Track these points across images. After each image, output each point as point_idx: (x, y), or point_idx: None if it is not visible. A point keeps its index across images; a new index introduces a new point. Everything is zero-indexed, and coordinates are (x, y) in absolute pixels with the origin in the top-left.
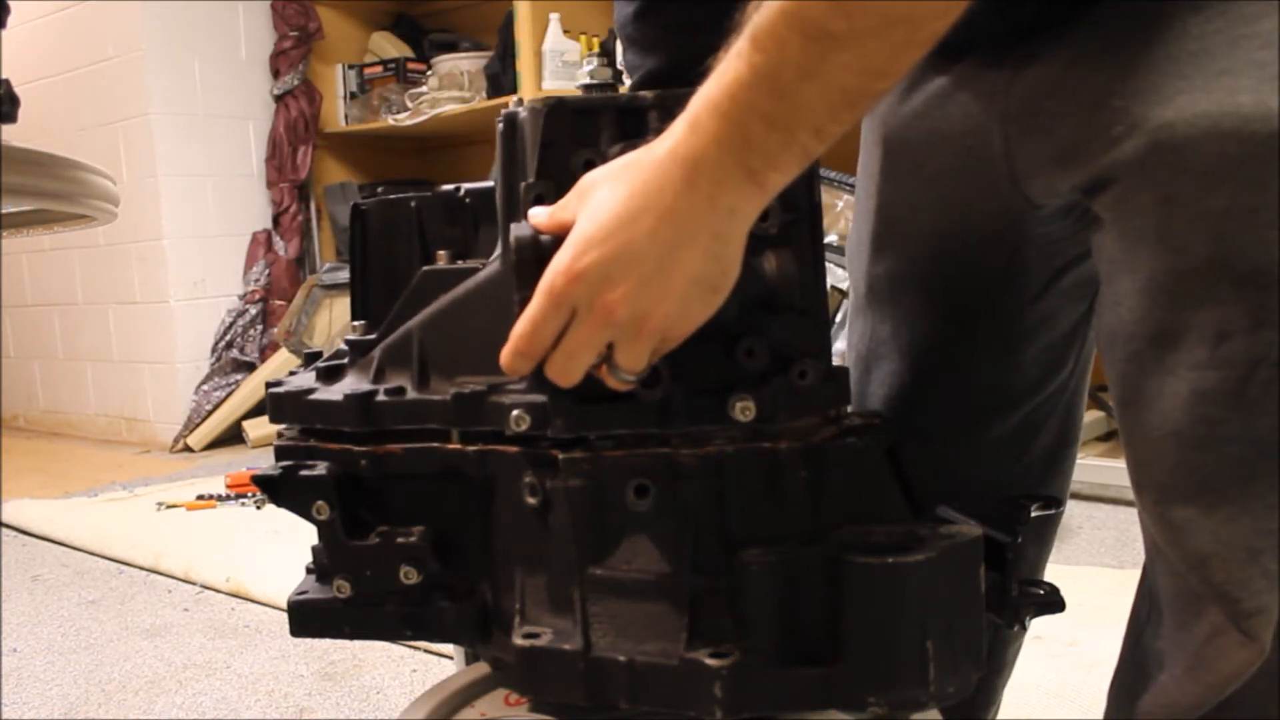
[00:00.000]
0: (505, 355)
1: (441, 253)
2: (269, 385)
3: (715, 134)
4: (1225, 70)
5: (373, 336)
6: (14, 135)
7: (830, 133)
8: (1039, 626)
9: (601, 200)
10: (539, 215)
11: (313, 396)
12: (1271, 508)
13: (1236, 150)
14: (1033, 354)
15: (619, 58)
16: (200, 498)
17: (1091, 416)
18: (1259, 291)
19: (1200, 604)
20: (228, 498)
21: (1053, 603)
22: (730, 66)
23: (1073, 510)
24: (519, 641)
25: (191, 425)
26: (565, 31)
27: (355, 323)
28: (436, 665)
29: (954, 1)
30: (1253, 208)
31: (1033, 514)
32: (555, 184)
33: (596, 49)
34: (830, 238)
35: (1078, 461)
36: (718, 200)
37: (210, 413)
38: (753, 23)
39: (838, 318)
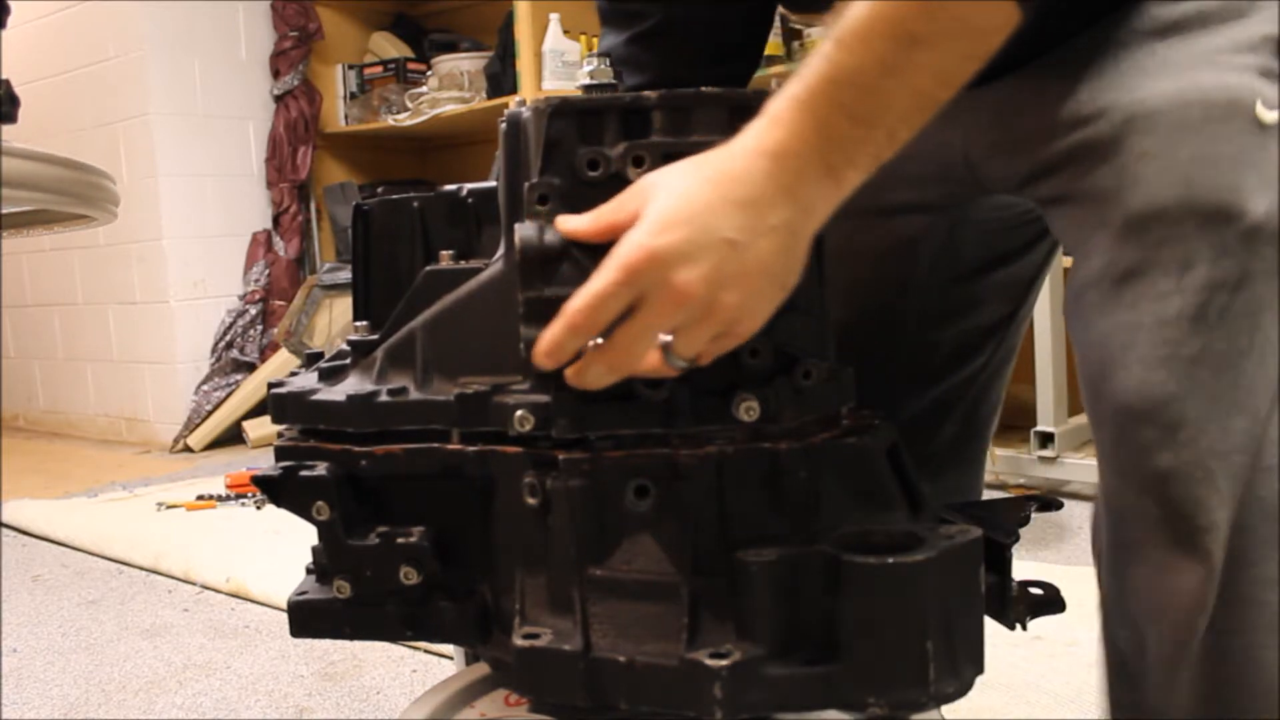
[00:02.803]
0: (554, 332)
1: (445, 253)
2: (272, 385)
3: (799, 128)
4: (1187, 68)
5: (375, 337)
6: (14, 135)
7: (900, 137)
8: (1039, 626)
9: (679, 186)
10: (578, 221)
11: (315, 397)
12: (1226, 430)
13: (1200, 114)
14: (952, 334)
15: None
16: (200, 498)
17: None
18: (1221, 226)
19: (1150, 532)
20: (228, 498)
21: (1053, 602)
22: (815, 66)
23: (1072, 510)
24: (519, 642)
25: (191, 425)
26: (565, 32)
27: (358, 323)
28: (436, 665)
29: (1012, 19)
30: (1215, 157)
31: (1032, 514)
32: (559, 184)
33: (596, 49)
34: None
35: (1077, 461)
36: (797, 194)
37: (210, 413)
38: (836, 29)
39: None
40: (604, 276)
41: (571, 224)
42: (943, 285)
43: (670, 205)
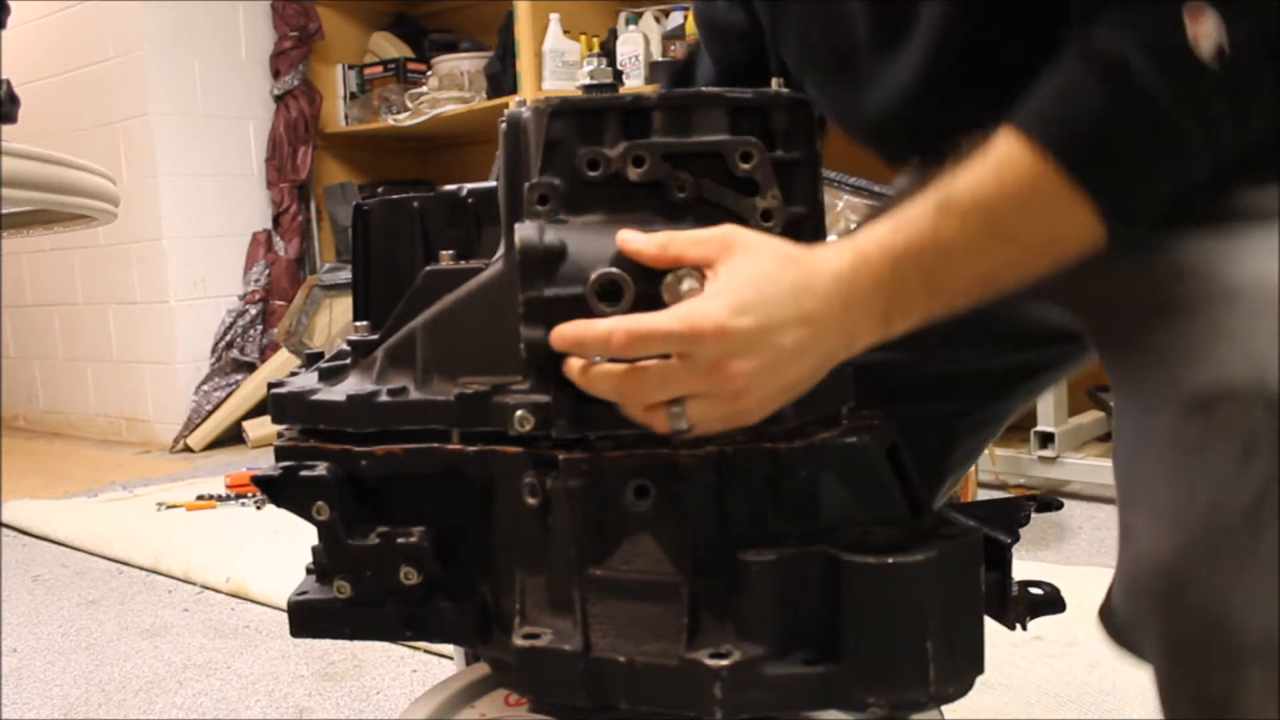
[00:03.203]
0: (585, 335)
1: (445, 253)
2: (271, 385)
3: (880, 277)
4: (1272, 254)
5: (375, 337)
6: (14, 135)
7: (954, 309)
8: (1039, 626)
9: (761, 271)
10: (643, 242)
11: (315, 397)
12: (1266, 628)
13: (1277, 299)
14: (942, 367)
15: (619, 58)
16: (200, 498)
17: (1091, 416)
18: None
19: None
20: (228, 498)
21: (1053, 602)
22: (916, 224)
23: (1072, 510)
24: (519, 642)
25: (191, 425)
26: (565, 31)
27: (358, 323)
28: (436, 665)
29: (1097, 239)
30: None
31: (1032, 514)
32: (559, 184)
33: (596, 49)
34: (830, 238)
35: (1077, 461)
36: (853, 331)
37: (210, 413)
38: (946, 192)
39: None
40: (666, 323)
41: (636, 244)
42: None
43: (748, 287)
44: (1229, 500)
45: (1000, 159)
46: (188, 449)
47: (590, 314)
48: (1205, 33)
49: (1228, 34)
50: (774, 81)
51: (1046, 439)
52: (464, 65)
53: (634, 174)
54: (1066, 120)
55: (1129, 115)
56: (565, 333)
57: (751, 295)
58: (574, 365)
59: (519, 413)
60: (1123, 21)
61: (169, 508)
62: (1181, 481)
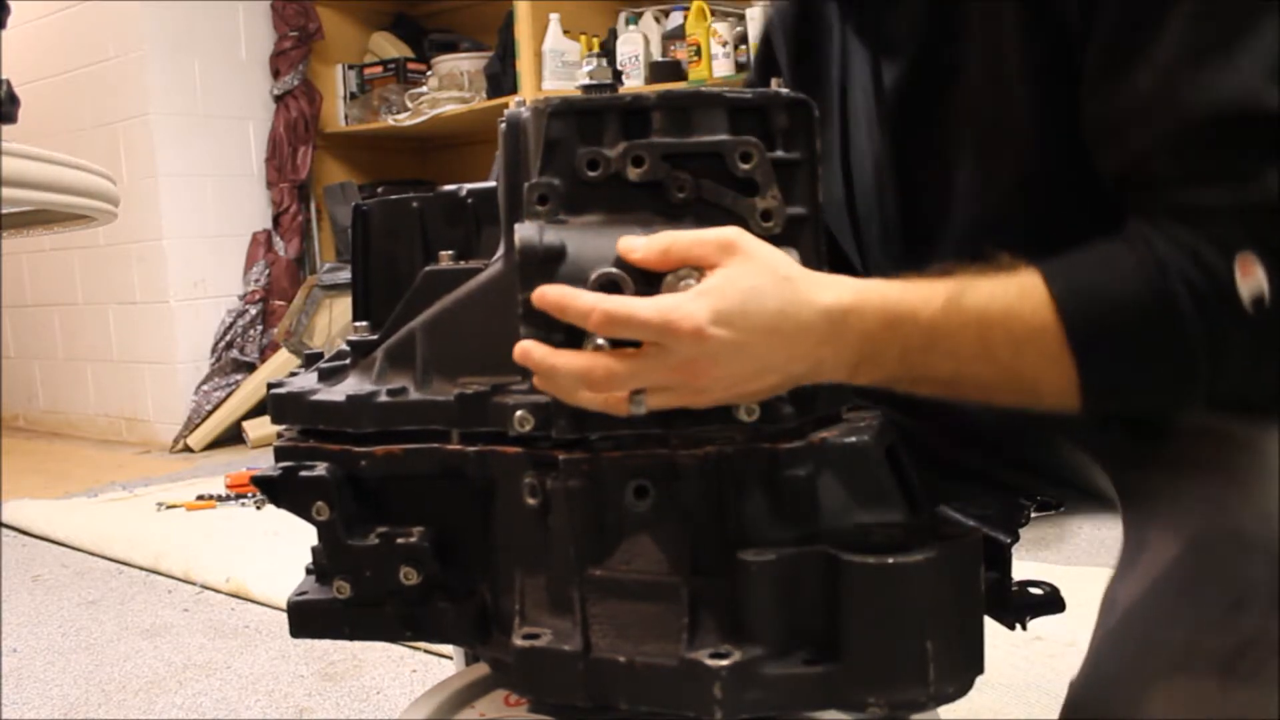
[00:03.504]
0: (568, 303)
1: (444, 253)
2: (271, 386)
3: (867, 331)
4: None
5: (374, 338)
6: (14, 135)
7: (914, 386)
8: (1039, 626)
9: (757, 284)
10: (644, 251)
11: (315, 397)
12: None
13: None
14: None
15: (619, 58)
16: (200, 498)
17: None
18: None
19: None
20: (228, 498)
21: (1053, 602)
22: (920, 300)
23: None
24: (519, 642)
25: (191, 425)
26: (565, 31)
27: (357, 324)
28: (436, 665)
29: (1071, 406)
30: None
31: (1032, 514)
32: (559, 184)
33: (596, 49)
34: None
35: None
36: (820, 364)
37: (210, 413)
38: (961, 291)
39: None
40: (646, 313)
41: (639, 252)
42: (978, 424)
43: (736, 297)
44: (1207, 646)
45: (1020, 292)
46: (188, 449)
47: None
48: (1252, 281)
49: (1269, 288)
50: (773, 82)
51: None
52: (464, 65)
53: (633, 174)
54: (1091, 293)
55: (1150, 316)
56: (548, 294)
57: (736, 306)
58: (534, 349)
59: (519, 413)
60: (1182, 233)
61: (169, 508)
62: (1162, 615)
